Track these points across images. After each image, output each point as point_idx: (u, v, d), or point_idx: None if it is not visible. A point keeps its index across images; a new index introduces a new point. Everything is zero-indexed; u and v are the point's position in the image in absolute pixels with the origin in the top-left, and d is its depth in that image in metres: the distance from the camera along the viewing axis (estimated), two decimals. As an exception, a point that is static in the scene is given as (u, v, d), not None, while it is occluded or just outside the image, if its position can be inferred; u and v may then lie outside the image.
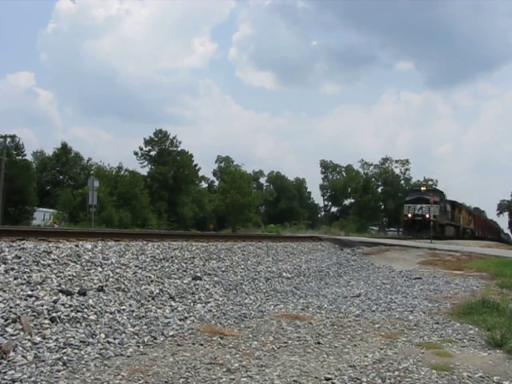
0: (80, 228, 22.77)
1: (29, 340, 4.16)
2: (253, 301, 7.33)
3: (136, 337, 4.82)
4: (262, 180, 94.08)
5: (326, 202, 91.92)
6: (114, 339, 4.64)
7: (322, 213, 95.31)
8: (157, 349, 4.56)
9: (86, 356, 4.15)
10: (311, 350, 4.68)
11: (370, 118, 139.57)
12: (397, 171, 74.30)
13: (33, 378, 3.58)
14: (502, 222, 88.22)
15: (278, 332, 5.34)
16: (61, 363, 3.92)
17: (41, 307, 4.76)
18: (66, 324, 4.67)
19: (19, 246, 6.49)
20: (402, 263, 13.68)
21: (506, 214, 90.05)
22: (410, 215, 30.72)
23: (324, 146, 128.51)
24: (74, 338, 4.42)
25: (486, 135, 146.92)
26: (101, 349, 4.36)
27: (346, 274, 11.80)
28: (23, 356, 3.91)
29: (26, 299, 4.86)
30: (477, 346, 4.95)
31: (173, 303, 6.28)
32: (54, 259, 6.23)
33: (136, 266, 7.16)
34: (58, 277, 5.70)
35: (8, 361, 3.80)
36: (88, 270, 6.32)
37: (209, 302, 6.69)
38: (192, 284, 7.30)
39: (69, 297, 5.23)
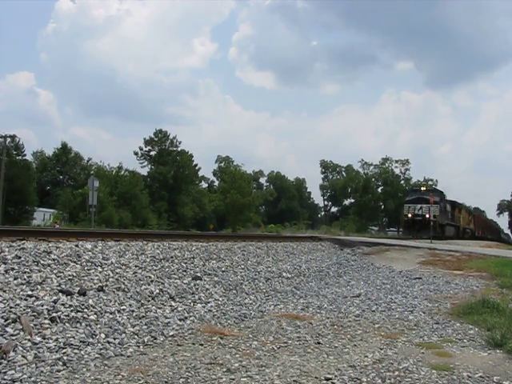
0: (80, 228, 22.78)
1: (29, 340, 4.16)
2: (253, 301, 7.32)
3: (136, 337, 4.82)
4: (262, 180, 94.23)
5: (325, 202, 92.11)
6: (114, 339, 4.63)
7: (322, 213, 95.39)
8: (157, 349, 4.56)
9: (85, 356, 4.15)
10: (311, 350, 4.68)
11: (369, 118, 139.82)
12: (397, 171, 74.36)
13: (33, 378, 3.58)
14: (502, 222, 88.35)
15: (278, 332, 5.34)
16: (61, 363, 3.92)
17: (41, 307, 4.76)
18: (66, 324, 4.67)
19: (19, 246, 6.49)
20: (402, 263, 13.68)
21: (506, 213, 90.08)
22: (410, 215, 30.72)
23: (324, 146, 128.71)
24: (73, 338, 4.42)
25: (485, 135, 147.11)
26: (101, 349, 4.35)
27: (346, 274, 11.80)
28: (23, 356, 3.91)
29: (26, 299, 4.86)
30: (477, 345, 4.94)
31: (173, 303, 6.28)
32: (53, 259, 6.23)
33: (136, 266, 7.16)
34: (57, 277, 5.70)
35: (8, 361, 3.80)
36: (88, 270, 6.32)
37: (209, 302, 6.69)
38: (192, 284, 7.30)
39: (69, 297, 5.23)
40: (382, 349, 4.74)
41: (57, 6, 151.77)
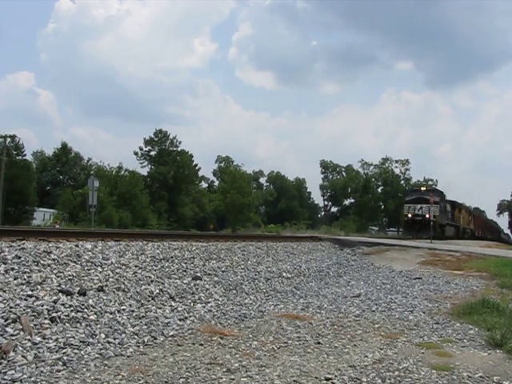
0: (80, 228, 22.77)
1: (29, 340, 4.16)
2: (253, 301, 7.32)
3: (136, 337, 4.82)
4: (262, 180, 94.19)
5: (325, 202, 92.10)
6: (114, 339, 4.63)
7: (322, 213, 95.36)
8: (157, 349, 4.56)
9: (85, 356, 4.14)
10: (311, 349, 4.68)
11: (369, 118, 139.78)
12: (397, 171, 74.47)
13: (33, 378, 3.58)
14: (502, 222, 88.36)
15: (278, 332, 5.34)
16: (61, 363, 3.92)
17: (41, 307, 4.76)
18: (66, 324, 4.67)
19: (19, 246, 6.49)
20: (402, 263, 13.68)
21: (506, 213, 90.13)
22: (410, 215, 30.73)
23: (324, 146, 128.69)
24: (73, 338, 4.42)
25: (485, 135, 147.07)
26: (101, 349, 4.35)
27: (346, 274, 11.80)
28: (23, 356, 3.91)
29: (26, 299, 4.86)
30: (477, 345, 4.94)
31: (173, 303, 6.28)
32: (54, 259, 6.23)
33: (136, 266, 7.16)
34: (57, 277, 5.70)
35: (8, 361, 3.80)
36: (88, 270, 6.32)
37: (209, 302, 6.69)
38: (192, 284, 7.30)
39: (69, 297, 5.23)
40: (381, 349, 4.74)
41: (57, 5, 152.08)
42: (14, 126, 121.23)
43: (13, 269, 5.53)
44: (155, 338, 4.86)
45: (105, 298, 5.58)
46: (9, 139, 44.68)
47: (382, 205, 71.01)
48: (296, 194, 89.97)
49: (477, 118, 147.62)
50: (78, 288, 5.55)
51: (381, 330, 5.61)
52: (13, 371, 3.66)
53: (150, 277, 6.92)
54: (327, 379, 3.80)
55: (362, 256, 14.95)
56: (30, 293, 5.01)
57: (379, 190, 72.49)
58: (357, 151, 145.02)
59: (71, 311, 4.91)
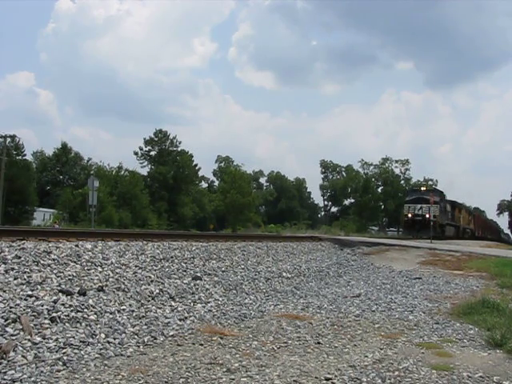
0: (80, 228, 22.78)
1: (29, 340, 4.16)
2: (253, 301, 7.32)
3: (136, 337, 4.82)
4: (262, 180, 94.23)
5: (325, 202, 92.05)
6: (114, 339, 4.63)
7: (322, 213, 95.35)
8: (157, 349, 4.56)
9: (85, 356, 4.14)
10: (311, 350, 4.68)
11: (370, 117, 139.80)
12: (397, 171, 74.38)
13: (33, 378, 3.58)
14: (502, 222, 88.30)
15: (278, 332, 5.34)
16: (61, 363, 3.92)
17: (41, 307, 4.76)
18: (66, 324, 4.67)
19: (19, 246, 6.48)
20: (402, 263, 13.68)
21: (506, 213, 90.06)
22: (410, 215, 30.74)
23: (324, 146, 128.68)
24: (73, 338, 4.42)
25: (485, 135, 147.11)
26: (101, 349, 4.35)
27: (346, 273, 11.80)
28: (23, 356, 3.91)
29: (26, 299, 4.86)
30: (477, 345, 4.95)
31: (173, 303, 6.27)
32: (54, 259, 6.23)
33: (136, 266, 7.16)
34: (57, 277, 5.70)
35: (8, 361, 3.80)
36: (88, 270, 6.32)
37: (209, 302, 6.69)
38: (192, 284, 7.30)
39: (69, 297, 5.23)
40: (382, 349, 4.74)
41: (57, 5, 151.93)
42: (14, 126, 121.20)
43: (13, 269, 5.53)
44: (155, 338, 4.86)
45: (105, 297, 5.58)
46: (9, 139, 44.58)
47: (382, 205, 71.01)
48: (296, 194, 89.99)
49: (477, 118, 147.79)
50: (78, 288, 5.55)
51: (381, 329, 5.61)
52: (13, 371, 3.65)
53: (149, 277, 6.92)
54: (327, 379, 3.80)
55: (361, 256, 14.95)
56: (29, 293, 5.01)
57: (379, 190, 72.48)
58: (357, 151, 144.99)
59: (71, 311, 4.91)
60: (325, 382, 3.77)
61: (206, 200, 69.31)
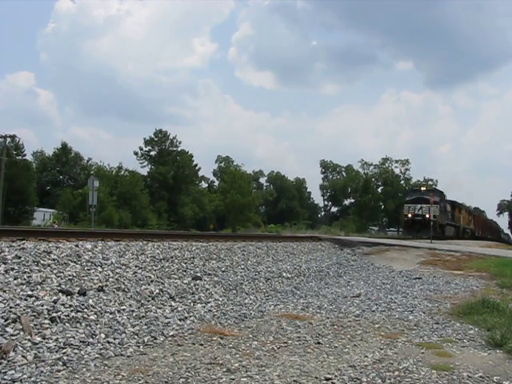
0: (80, 228, 22.78)
1: (29, 340, 4.16)
2: (253, 301, 7.32)
3: (136, 337, 4.82)
4: (262, 180, 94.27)
5: (325, 202, 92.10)
6: (114, 339, 4.63)
7: (322, 213, 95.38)
8: (157, 349, 4.56)
9: (86, 356, 4.14)
10: (311, 349, 4.68)
11: (369, 117, 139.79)
12: (397, 171, 74.41)
13: (33, 378, 3.58)
14: (502, 222, 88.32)
15: (278, 332, 5.34)
16: (61, 363, 3.92)
17: (41, 307, 4.76)
18: (66, 324, 4.67)
19: (19, 246, 6.48)
20: (402, 263, 13.69)
21: (506, 213, 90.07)
22: (410, 215, 30.74)
23: (324, 146, 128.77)
24: (73, 338, 4.42)
25: (485, 135, 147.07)
26: (101, 349, 4.35)
27: (346, 273, 11.80)
28: (23, 356, 3.91)
29: (26, 299, 4.86)
30: (477, 345, 4.94)
31: (173, 303, 6.28)
32: (54, 259, 6.23)
33: (136, 266, 7.16)
34: (57, 277, 5.70)
35: (8, 361, 3.80)
36: (88, 270, 6.32)
37: (209, 302, 6.69)
38: (192, 284, 7.30)
39: (69, 297, 5.23)
40: (382, 349, 4.74)
41: (56, 5, 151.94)
42: (14, 126, 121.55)
43: (13, 269, 5.53)
44: (155, 338, 4.86)
45: (105, 297, 5.58)
46: (9, 139, 44.57)
47: (382, 205, 71.05)
48: (296, 194, 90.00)
49: (477, 118, 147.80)
50: (78, 288, 5.55)
51: (381, 329, 5.61)
52: (13, 371, 3.65)
53: (150, 277, 6.92)
54: (327, 379, 3.80)
55: (361, 256, 14.95)
56: (30, 293, 5.01)
57: (379, 190, 72.51)
58: (357, 151, 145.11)
59: (71, 311, 4.91)
60: (325, 382, 3.77)
61: (206, 200, 69.30)
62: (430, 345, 4.94)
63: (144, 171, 63.79)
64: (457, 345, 4.97)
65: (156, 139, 66.04)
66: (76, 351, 4.19)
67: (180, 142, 66.90)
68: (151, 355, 4.32)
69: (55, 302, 4.97)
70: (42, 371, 3.73)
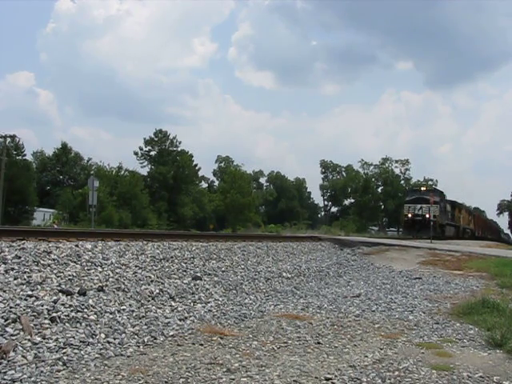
0: (80, 228, 22.78)
1: (29, 340, 4.16)
2: (253, 301, 7.32)
3: (136, 337, 4.82)
4: (262, 180, 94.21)
5: (326, 202, 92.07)
6: (114, 339, 4.63)
7: (322, 213, 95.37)
8: (157, 349, 4.56)
9: (86, 356, 4.14)
10: (311, 350, 4.68)
11: (370, 117, 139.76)
12: (397, 171, 74.34)
13: (33, 378, 3.58)
14: (502, 222, 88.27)
15: (278, 332, 5.34)
16: (61, 363, 3.92)
17: (41, 307, 4.76)
18: (66, 324, 4.67)
19: (19, 246, 6.49)
20: (402, 263, 13.69)
21: (506, 213, 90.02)
22: (410, 215, 30.74)
23: (324, 146, 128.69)
24: (73, 338, 4.42)
25: (485, 135, 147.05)
26: (101, 349, 4.35)
27: (346, 273, 11.80)
28: (23, 356, 3.91)
29: (26, 299, 4.86)
30: (477, 345, 4.95)
31: (173, 303, 6.28)
32: (54, 259, 6.23)
33: (136, 266, 7.16)
34: (57, 277, 5.70)
35: (8, 361, 3.80)
36: (88, 270, 6.32)
37: (209, 302, 6.69)
38: (192, 284, 7.30)
39: (69, 297, 5.23)
40: (382, 349, 4.74)
41: (56, 5, 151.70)
42: (14, 126, 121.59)
43: (13, 269, 5.53)
44: (155, 338, 4.86)
45: (105, 297, 5.58)
46: (9, 139, 44.55)
47: (382, 205, 71.02)
48: (296, 194, 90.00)
49: (477, 118, 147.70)
50: (78, 288, 5.55)
51: (381, 329, 5.61)
52: (13, 371, 3.65)
53: (150, 277, 6.92)
54: (327, 379, 3.80)
55: (362, 256, 14.95)
56: (30, 293, 5.01)
57: (379, 190, 72.48)
58: (357, 151, 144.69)
59: (71, 311, 4.91)
60: (325, 382, 3.77)
61: (206, 200, 69.29)
62: (430, 345, 4.94)
63: (144, 171, 63.85)
64: (457, 345, 4.97)
65: (156, 139, 66.02)
66: (76, 351, 4.19)
67: (180, 142, 66.96)
68: (151, 355, 4.32)
69: (55, 302, 4.97)
70: (41, 371, 3.73)
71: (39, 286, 5.26)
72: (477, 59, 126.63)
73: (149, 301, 6.07)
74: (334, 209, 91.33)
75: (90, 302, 5.29)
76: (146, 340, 4.76)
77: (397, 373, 3.98)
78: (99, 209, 35.89)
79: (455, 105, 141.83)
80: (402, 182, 74.04)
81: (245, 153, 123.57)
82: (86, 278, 6.00)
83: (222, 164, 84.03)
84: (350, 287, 9.45)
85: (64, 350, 4.15)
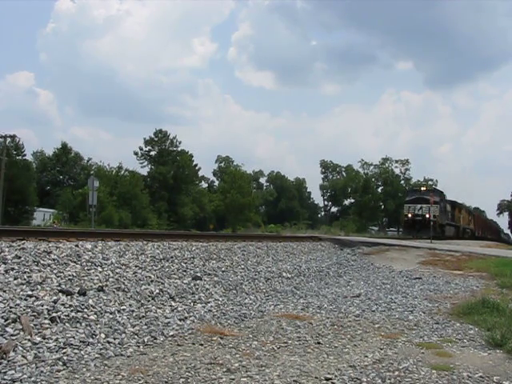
0: (80, 228, 22.77)
1: (29, 340, 4.16)
2: (253, 301, 7.32)
3: (136, 337, 4.82)
4: (262, 180, 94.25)
5: (325, 202, 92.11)
6: (114, 339, 4.63)
7: (322, 213, 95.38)
8: (157, 349, 4.56)
9: (85, 356, 4.14)
10: (311, 349, 4.68)
11: (370, 117, 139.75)
12: (397, 171, 74.32)
13: (33, 378, 3.58)
14: (502, 222, 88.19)
15: (278, 332, 5.34)
16: (61, 363, 3.92)
17: (41, 307, 4.76)
18: (66, 324, 4.67)
19: (19, 246, 6.49)
20: (402, 263, 13.68)
21: (506, 213, 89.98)
22: (410, 215, 30.75)
23: (324, 146, 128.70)
24: (74, 338, 4.42)
25: (485, 135, 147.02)
26: (101, 349, 4.35)
27: (346, 273, 11.80)
28: (23, 356, 3.91)
29: (26, 299, 4.86)
30: (477, 345, 4.95)
31: (173, 303, 6.28)
32: (54, 259, 6.23)
33: (136, 266, 7.16)
34: (57, 277, 5.70)
35: (8, 361, 3.80)
36: (88, 270, 6.32)
37: (209, 302, 6.69)
38: (192, 284, 7.30)
39: (69, 297, 5.23)
40: (382, 349, 4.74)
41: (56, 5, 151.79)
42: (14, 126, 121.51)
43: (13, 269, 5.53)
44: (155, 338, 4.86)
45: (105, 297, 5.58)
46: (9, 139, 44.55)
47: (382, 205, 71.00)
48: (296, 194, 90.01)
49: (477, 118, 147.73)
50: (78, 288, 5.55)
51: (381, 329, 5.61)
52: (13, 371, 3.66)
53: (150, 277, 6.92)
54: (327, 379, 3.80)
55: (362, 256, 14.95)
56: (30, 293, 5.01)
57: (379, 190, 72.46)
58: (357, 151, 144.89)
59: (71, 311, 4.91)
60: (325, 381, 3.77)
61: (206, 200, 69.26)
62: (430, 345, 4.94)
63: (144, 171, 63.83)
64: (457, 345, 4.97)
65: (156, 139, 66.01)
66: (76, 351, 4.19)
67: (180, 142, 66.95)
68: (151, 355, 4.32)
69: (55, 302, 4.97)
70: (41, 371, 3.73)
71: (39, 286, 5.26)
72: (477, 59, 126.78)
73: (149, 301, 6.07)
74: (334, 209, 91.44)
75: (90, 302, 5.29)
76: (146, 340, 4.77)
77: (397, 373, 3.98)
78: (99, 209, 35.90)
79: (455, 105, 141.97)
80: (402, 181, 74.03)
81: (245, 153, 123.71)
82: (85, 278, 6.00)
83: (222, 164, 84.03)
84: (350, 287, 9.45)
85: (64, 350, 4.16)
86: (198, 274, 7.88)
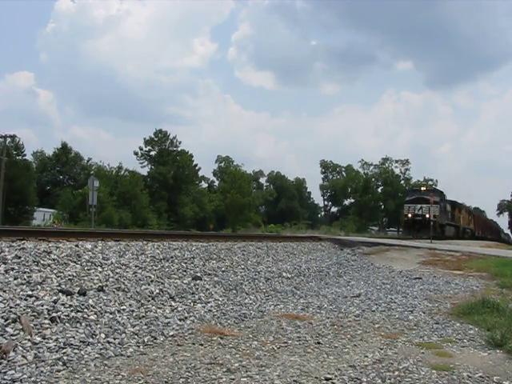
0: (80, 228, 22.77)
1: (29, 340, 4.16)
2: (253, 301, 7.32)
3: (136, 337, 4.82)
4: (262, 180, 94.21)
5: (325, 202, 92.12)
6: (114, 339, 4.63)
7: (322, 213, 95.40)
8: (157, 349, 4.56)
9: (85, 356, 4.14)
10: (311, 349, 4.68)
11: (370, 117, 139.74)
12: (397, 171, 74.40)
13: (33, 378, 3.58)
14: (502, 222, 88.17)
15: (278, 332, 5.34)
16: (61, 363, 3.92)
17: (41, 307, 4.76)
18: (66, 324, 4.67)
19: (19, 246, 6.49)
20: (402, 263, 13.68)
21: (506, 213, 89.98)
22: (410, 215, 30.75)
23: (324, 146, 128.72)
24: (74, 338, 4.42)
25: (485, 135, 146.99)
26: (101, 349, 4.35)
27: (346, 273, 11.80)
28: (23, 356, 3.91)
29: (26, 299, 4.86)
30: (477, 345, 4.94)
31: (173, 303, 6.28)
32: (54, 259, 6.23)
33: (136, 266, 7.16)
34: (57, 277, 5.70)
35: (8, 361, 3.80)
36: (88, 270, 6.32)
37: (209, 302, 6.69)
38: (192, 284, 7.30)
39: (69, 297, 5.23)
40: (382, 349, 4.74)
41: (56, 5, 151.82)
42: (14, 126, 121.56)
43: (13, 269, 5.53)
44: (155, 338, 4.86)
45: (105, 297, 5.58)
46: (9, 139, 44.54)
47: (382, 205, 71.06)
48: (296, 194, 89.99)
49: (477, 118, 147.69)
50: (78, 288, 5.55)
51: (381, 329, 5.61)
52: (13, 371, 3.65)
53: (150, 277, 6.92)
54: (327, 379, 3.80)
55: (362, 256, 14.95)
56: (30, 293, 5.01)
57: (379, 190, 72.52)
58: (357, 151, 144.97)
59: (71, 311, 4.91)
60: (325, 382, 3.77)
61: (206, 200, 69.28)
62: (430, 345, 4.94)
63: (144, 171, 63.85)
64: (457, 345, 4.97)
65: (156, 139, 66.03)
66: (76, 351, 4.19)
67: (180, 142, 66.98)
68: (151, 355, 4.32)
69: (55, 302, 4.97)
70: (42, 371, 3.73)
71: (39, 286, 5.26)
72: (477, 59, 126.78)
73: (149, 301, 6.07)
74: (334, 209, 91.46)
75: (90, 301, 5.29)
76: (146, 340, 4.76)
77: (397, 373, 3.98)
78: (99, 209, 35.91)
79: (455, 105, 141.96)
80: (402, 182, 74.09)
81: (245, 153, 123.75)
82: (85, 277, 6.00)
83: (222, 164, 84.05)
84: (350, 287, 9.45)
85: (64, 350, 4.15)
86: (198, 274, 7.88)
